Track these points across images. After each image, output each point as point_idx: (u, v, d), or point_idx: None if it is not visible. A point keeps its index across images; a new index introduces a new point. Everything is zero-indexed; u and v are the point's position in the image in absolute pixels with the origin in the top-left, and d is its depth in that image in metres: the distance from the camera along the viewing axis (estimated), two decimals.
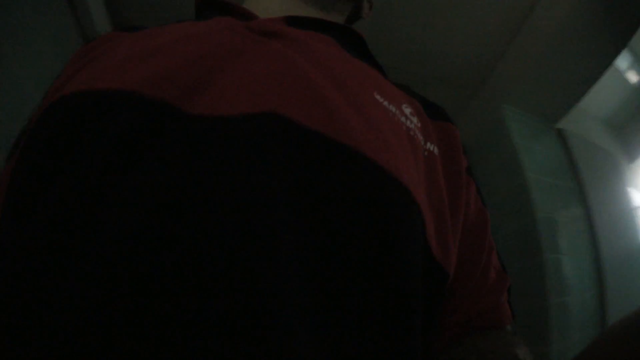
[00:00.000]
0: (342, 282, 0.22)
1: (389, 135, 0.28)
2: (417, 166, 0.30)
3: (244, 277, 0.19)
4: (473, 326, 0.33)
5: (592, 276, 1.38)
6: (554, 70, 1.43)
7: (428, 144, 0.33)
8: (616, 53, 1.41)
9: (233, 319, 0.18)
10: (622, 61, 1.75)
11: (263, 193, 0.22)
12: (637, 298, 1.43)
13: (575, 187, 1.47)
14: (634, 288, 1.49)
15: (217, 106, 0.25)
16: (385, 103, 0.31)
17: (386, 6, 1.30)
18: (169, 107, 0.24)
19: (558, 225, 1.36)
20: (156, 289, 0.18)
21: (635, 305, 0.25)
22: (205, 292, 0.19)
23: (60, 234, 0.21)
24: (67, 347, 0.17)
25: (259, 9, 0.41)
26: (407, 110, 0.34)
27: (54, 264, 0.20)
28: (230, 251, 0.20)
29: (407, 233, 0.25)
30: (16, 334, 0.19)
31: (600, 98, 1.65)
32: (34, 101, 0.36)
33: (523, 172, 1.37)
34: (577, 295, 1.31)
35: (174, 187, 0.21)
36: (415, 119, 0.34)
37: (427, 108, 0.38)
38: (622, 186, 1.69)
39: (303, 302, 0.20)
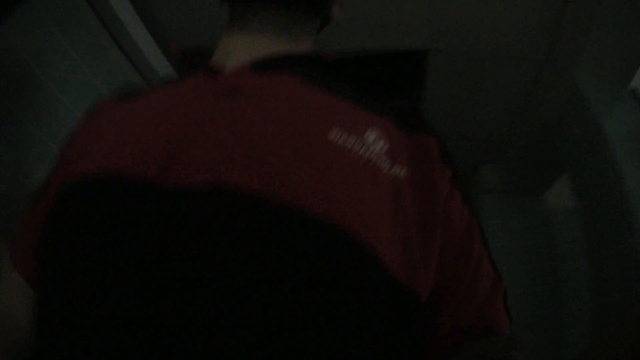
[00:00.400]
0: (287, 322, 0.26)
1: (337, 179, 0.31)
2: (377, 196, 0.32)
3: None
4: (469, 334, 0.35)
5: None
6: (617, 27, 1.30)
7: (394, 168, 0.35)
8: None
9: None
10: None
11: (223, 271, 0.27)
12: None
13: None
14: None
15: (184, 177, 0.30)
16: (342, 139, 0.33)
17: None
18: (150, 184, 0.30)
19: None
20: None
21: None
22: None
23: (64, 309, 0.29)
24: None
25: (230, 49, 0.43)
26: (372, 137, 0.35)
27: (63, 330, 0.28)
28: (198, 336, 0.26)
29: (346, 273, 0.28)
30: None
31: None
32: None
33: (609, 145, 1.24)
34: None
35: (153, 268, 0.27)
36: (380, 144, 0.35)
37: (405, 121, 0.39)
38: None
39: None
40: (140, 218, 0.29)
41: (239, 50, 0.43)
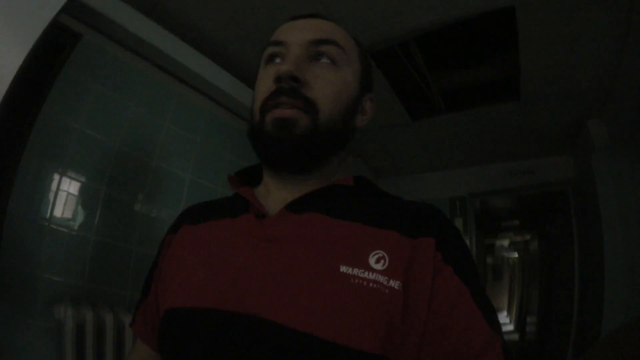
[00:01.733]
0: None
1: (349, 309, 0.42)
2: (376, 312, 0.42)
3: None
4: None
5: None
6: None
7: (390, 282, 0.43)
8: None
9: None
10: None
11: None
12: None
13: None
14: None
15: (244, 308, 0.44)
16: (349, 271, 0.44)
17: None
18: (228, 312, 0.44)
19: None
20: None
21: None
22: None
23: None
24: None
25: (270, 190, 0.56)
26: (374, 259, 0.45)
27: None
28: None
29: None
30: None
31: None
32: None
33: None
34: None
35: None
36: (380, 264, 0.45)
37: (411, 227, 0.47)
38: None
39: None
40: (225, 336, 0.43)
41: (276, 189, 0.55)
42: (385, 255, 0.45)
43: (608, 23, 1.47)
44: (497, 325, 0.43)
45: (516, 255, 6.03)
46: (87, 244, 1.28)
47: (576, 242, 2.52)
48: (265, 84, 0.53)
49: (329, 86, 0.52)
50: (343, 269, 0.44)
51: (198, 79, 1.61)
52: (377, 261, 0.45)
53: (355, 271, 0.44)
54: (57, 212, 1.22)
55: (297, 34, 0.53)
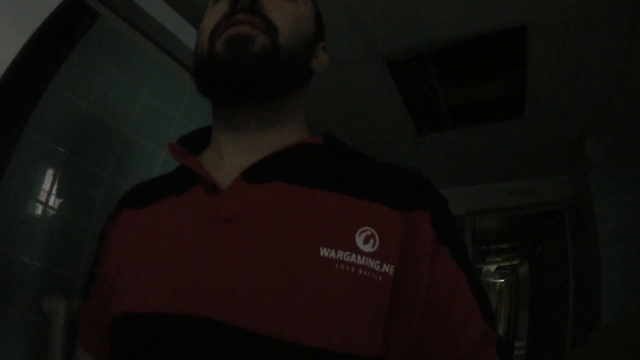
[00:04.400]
0: None
1: (335, 307, 0.34)
2: (369, 306, 0.35)
3: None
4: None
5: None
6: None
7: (384, 267, 0.36)
8: None
9: None
10: None
11: None
12: None
13: None
14: None
15: (198, 311, 0.36)
16: (332, 254, 0.36)
17: None
18: (184, 317, 0.36)
19: None
20: None
21: None
22: None
23: None
24: None
25: (221, 150, 0.47)
26: (361, 238, 0.37)
27: None
28: None
29: None
30: None
31: None
32: None
33: None
34: None
35: None
36: (370, 245, 0.37)
37: (398, 198, 0.40)
38: None
39: None
40: (188, 343, 0.35)
41: (229, 152, 0.46)
42: (375, 233, 0.37)
43: (610, 45, 1.55)
44: (492, 316, 0.39)
45: (503, 280, 6.08)
46: (86, 232, 1.15)
47: (571, 262, 2.56)
48: (215, 15, 0.46)
49: (288, 14, 0.46)
50: (324, 252, 0.36)
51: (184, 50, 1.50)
52: (366, 240, 0.37)
53: (340, 254, 0.36)
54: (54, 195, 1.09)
55: None
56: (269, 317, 0.34)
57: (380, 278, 0.36)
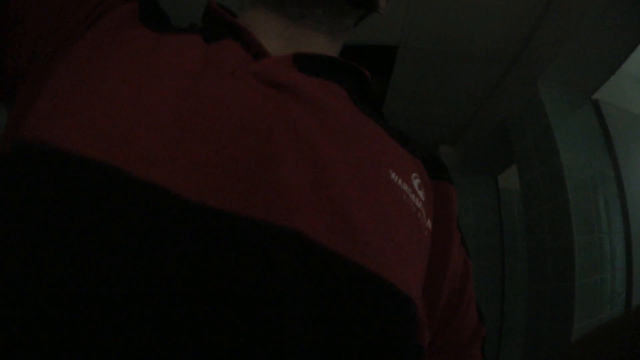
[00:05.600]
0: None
1: (402, 235, 0.28)
2: (420, 253, 0.31)
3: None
4: None
5: (622, 254, 1.38)
6: (588, 42, 1.36)
7: (428, 222, 0.33)
8: None
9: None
10: None
11: (277, 302, 0.22)
12: None
13: (609, 162, 1.43)
14: None
15: (242, 206, 0.24)
16: (400, 182, 0.31)
17: None
18: (173, 196, 0.23)
19: (591, 204, 1.34)
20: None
21: None
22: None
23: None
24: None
25: (259, 30, 0.37)
26: (416, 183, 0.33)
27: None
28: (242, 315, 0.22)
29: (402, 341, 0.26)
30: None
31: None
32: None
33: (558, 150, 1.33)
34: (605, 274, 1.32)
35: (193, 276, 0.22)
36: (422, 193, 0.33)
37: (429, 165, 0.37)
38: None
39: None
40: (179, 239, 0.22)
41: (272, 30, 0.37)
42: (422, 184, 0.34)
43: (474, 78, 1.67)
44: (481, 311, 0.39)
45: None
46: None
47: None
48: None
49: None
50: (393, 176, 0.30)
51: None
52: (420, 187, 0.33)
53: (405, 187, 0.31)
54: None
55: None
56: (334, 227, 0.25)
57: (426, 232, 0.32)
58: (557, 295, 1.35)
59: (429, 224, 0.33)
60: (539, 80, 1.43)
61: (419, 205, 0.32)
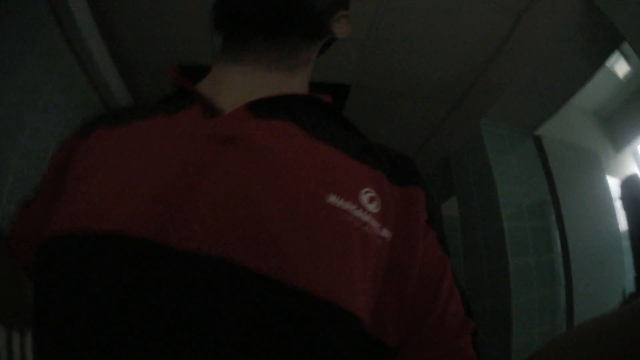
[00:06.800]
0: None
1: (335, 249, 0.31)
2: (365, 261, 0.33)
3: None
4: None
5: (559, 273, 1.53)
6: (536, 81, 1.47)
7: (383, 231, 0.35)
8: (596, 66, 1.45)
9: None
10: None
11: (212, 331, 0.27)
12: (613, 281, 1.57)
13: (547, 191, 1.58)
14: (611, 273, 1.62)
15: (185, 241, 0.29)
16: (340, 203, 0.33)
17: (372, 31, 1.38)
18: (151, 244, 0.29)
19: (526, 230, 1.50)
20: None
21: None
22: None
23: None
24: None
25: (223, 81, 0.42)
26: (366, 197, 0.35)
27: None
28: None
29: (332, 343, 0.29)
30: None
31: (589, 92, 1.69)
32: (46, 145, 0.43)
33: (494, 183, 1.49)
34: (540, 292, 1.47)
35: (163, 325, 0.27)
36: (373, 205, 0.35)
37: (395, 173, 0.39)
38: (601, 181, 1.77)
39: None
40: (145, 276, 0.28)
41: (232, 83, 0.41)
42: (377, 196, 0.35)
43: (425, 118, 1.74)
44: (470, 307, 0.39)
45: None
46: None
47: None
48: None
49: None
50: (331, 199, 0.33)
51: None
52: (370, 200, 0.35)
53: (347, 205, 0.33)
54: None
55: None
56: (256, 250, 0.29)
57: (379, 241, 0.34)
58: (494, 312, 1.52)
59: (385, 232, 0.34)
60: (482, 118, 1.57)
61: (366, 218, 0.33)
